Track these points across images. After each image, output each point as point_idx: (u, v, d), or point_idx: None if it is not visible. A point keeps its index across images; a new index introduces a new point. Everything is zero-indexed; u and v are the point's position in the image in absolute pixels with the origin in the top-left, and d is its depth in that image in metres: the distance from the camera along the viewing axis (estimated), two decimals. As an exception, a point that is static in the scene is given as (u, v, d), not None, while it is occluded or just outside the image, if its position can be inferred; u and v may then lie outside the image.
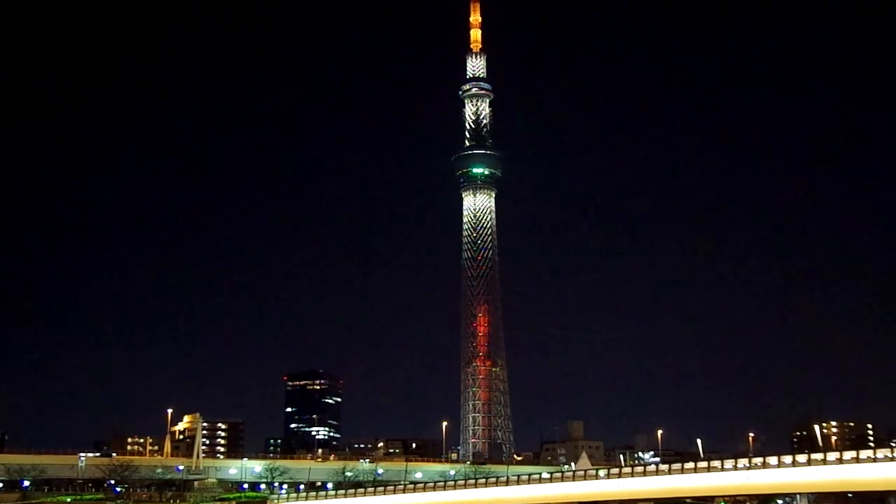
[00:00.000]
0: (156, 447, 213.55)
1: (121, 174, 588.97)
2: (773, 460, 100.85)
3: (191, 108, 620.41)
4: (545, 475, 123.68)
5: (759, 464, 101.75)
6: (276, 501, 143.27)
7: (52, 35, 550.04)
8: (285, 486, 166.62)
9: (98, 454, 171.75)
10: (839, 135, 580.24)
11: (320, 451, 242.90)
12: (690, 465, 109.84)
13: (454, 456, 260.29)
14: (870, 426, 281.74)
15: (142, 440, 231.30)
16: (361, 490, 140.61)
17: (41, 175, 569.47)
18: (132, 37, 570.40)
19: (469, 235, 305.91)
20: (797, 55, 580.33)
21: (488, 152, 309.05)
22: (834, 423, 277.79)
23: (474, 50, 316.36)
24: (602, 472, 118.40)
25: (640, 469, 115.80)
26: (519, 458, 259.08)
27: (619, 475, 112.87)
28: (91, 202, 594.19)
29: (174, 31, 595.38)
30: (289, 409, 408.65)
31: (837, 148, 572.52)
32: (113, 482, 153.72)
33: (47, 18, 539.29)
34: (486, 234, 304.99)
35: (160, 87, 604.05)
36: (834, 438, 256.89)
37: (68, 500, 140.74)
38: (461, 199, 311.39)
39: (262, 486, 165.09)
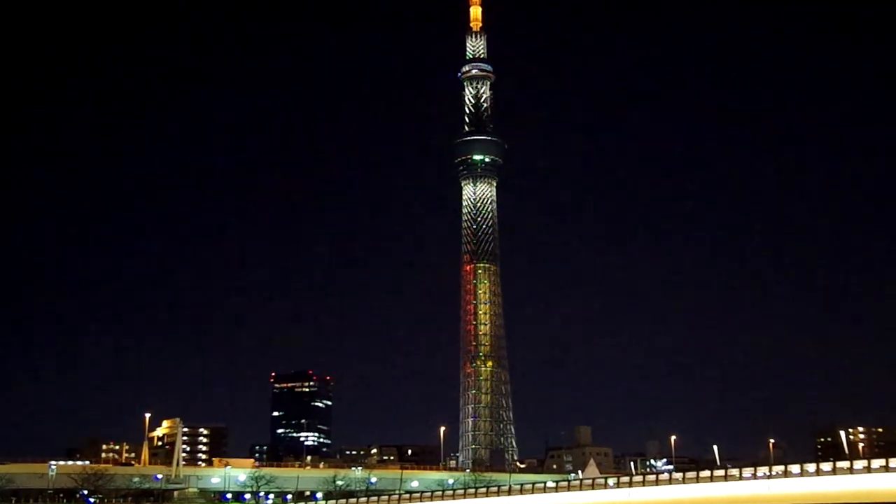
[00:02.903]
0: (133, 454, 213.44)
1: (110, 176, 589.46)
2: (795, 469, 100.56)
3: (183, 107, 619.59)
4: (550, 484, 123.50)
5: (780, 472, 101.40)
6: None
7: (46, 33, 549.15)
8: (272, 495, 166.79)
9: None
10: (860, 126, 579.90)
11: (309, 458, 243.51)
12: (706, 473, 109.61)
13: (453, 463, 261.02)
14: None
15: (117, 447, 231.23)
16: (353, 500, 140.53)
17: (28, 175, 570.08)
18: (133, 37, 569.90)
19: (469, 227, 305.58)
20: (803, 43, 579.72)
21: (489, 138, 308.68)
22: (861, 429, 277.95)
23: (474, 29, 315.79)
24: (611, 481, 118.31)
25: (651, 478, 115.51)
26: (522, 466, 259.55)
27: (630, 484, 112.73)
28: (74, 203, 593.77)
29: (167, 19, 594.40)
30: (276, 413, 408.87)
31: (864, 140, 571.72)
32: (86, 492, 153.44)
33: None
34: (486, 225, 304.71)
35: (156, 85, 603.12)
36: (861, 445, 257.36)
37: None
38: (460, 189, 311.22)
39: (247, 496, 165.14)
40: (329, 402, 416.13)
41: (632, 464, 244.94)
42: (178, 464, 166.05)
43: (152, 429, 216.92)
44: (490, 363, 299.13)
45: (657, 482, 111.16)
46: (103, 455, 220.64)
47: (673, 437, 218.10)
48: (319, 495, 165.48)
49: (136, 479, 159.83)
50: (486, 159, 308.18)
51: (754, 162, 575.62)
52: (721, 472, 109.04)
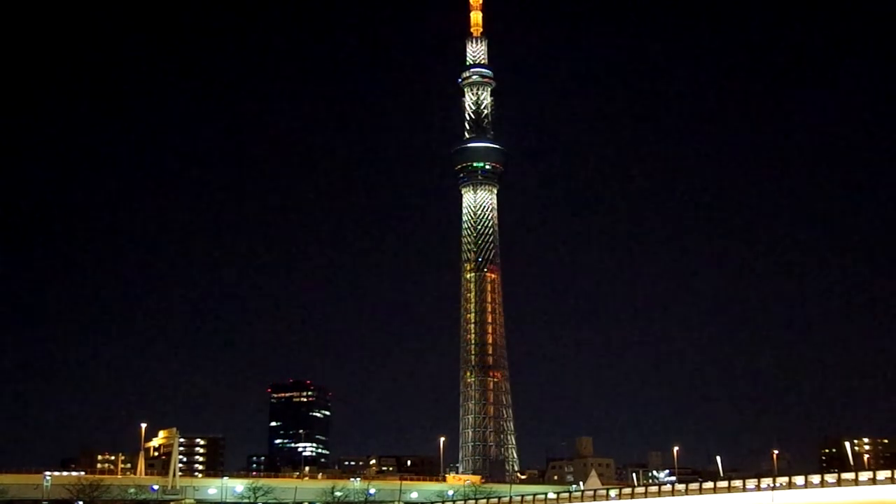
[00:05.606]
0: (128, 465, 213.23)
1: (100, 180, 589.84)
2: (799, 480, 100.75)
3: (179, 111, 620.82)
4: (551, 495, 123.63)
5: (784, 484, 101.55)
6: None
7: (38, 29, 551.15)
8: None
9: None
10: (871, 128, 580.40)
11: (307, 469, 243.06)
12: (709, 484, 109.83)
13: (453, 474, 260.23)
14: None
15: (113, 457, 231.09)
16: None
17: (16, 178, 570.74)
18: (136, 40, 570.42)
19: (469, 235, 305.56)
20: (812, 44, 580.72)
21: (490, 145, 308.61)
22: (866, 441, 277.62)
23: (475, 34, 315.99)
24: (613, 493, 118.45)
25: (654, 489, 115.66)
26: (523, 477, 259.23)
27: (632, 495, 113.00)
28: (64, 207, 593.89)
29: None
30: (273, 424, 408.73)
31: (882, 143, 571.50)
32: (81, 503, 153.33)
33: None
34: (487, 233, 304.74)
35: (149, 84, 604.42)
36: (866, 457, 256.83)
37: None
38: (460, 196, 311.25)
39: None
40: (327, 413, 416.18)
41: (634, 475, 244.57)
42: (174, 475, 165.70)
43: (148, 439, 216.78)
44: (490, 373, 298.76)
45: (659, 493, 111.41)
46: (99, 465, 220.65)
47: (675, 448, 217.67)
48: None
49: (131, 490, 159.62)
50: (487, 166, 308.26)
51: (757, 164, 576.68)
52: (724, 484, 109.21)
